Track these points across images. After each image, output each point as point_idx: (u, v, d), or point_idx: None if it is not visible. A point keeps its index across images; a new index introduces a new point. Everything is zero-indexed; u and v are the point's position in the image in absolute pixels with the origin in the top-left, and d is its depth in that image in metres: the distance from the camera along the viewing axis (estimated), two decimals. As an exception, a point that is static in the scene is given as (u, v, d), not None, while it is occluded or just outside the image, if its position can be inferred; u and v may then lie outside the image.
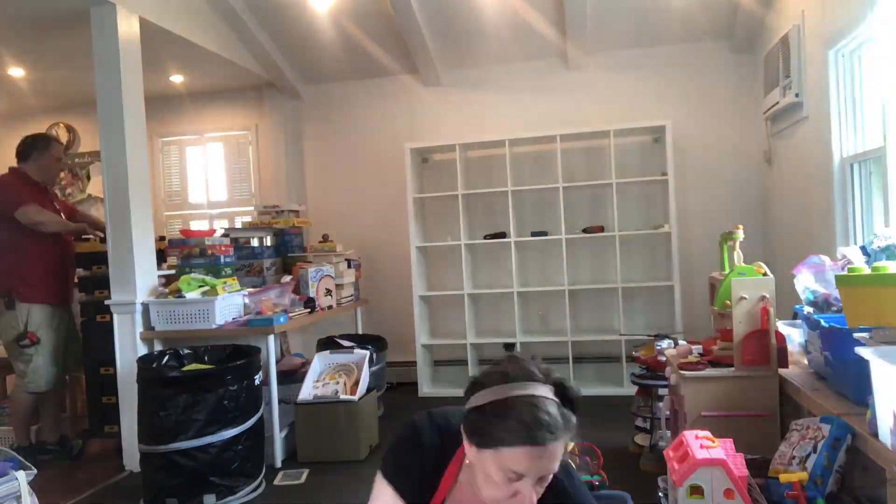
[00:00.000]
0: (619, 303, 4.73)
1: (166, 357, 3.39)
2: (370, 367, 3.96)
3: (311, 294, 4.17)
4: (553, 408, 1.20)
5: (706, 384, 2.51)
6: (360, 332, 4.99)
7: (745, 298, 2.53)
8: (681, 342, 3.10)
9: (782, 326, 2.68)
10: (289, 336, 5.12)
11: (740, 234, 3.06)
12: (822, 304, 2.61)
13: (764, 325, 2.52)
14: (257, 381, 3.27)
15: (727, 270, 3.03)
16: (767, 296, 2.52)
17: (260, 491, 3.21)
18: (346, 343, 4.33)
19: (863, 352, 1.93)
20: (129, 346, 3.62)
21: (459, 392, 1.32)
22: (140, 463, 3.14)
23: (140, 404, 3.17)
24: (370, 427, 3.79)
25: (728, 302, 2.58)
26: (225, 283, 3.79)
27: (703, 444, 2.01)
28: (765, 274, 2.66)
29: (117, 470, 3.62)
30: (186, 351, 3.45)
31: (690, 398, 2.52)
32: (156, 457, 3.02)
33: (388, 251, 5.45)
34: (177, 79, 5.29)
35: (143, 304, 3.68)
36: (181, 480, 2.99)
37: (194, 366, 3.35)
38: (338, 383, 3.76)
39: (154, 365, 3.31)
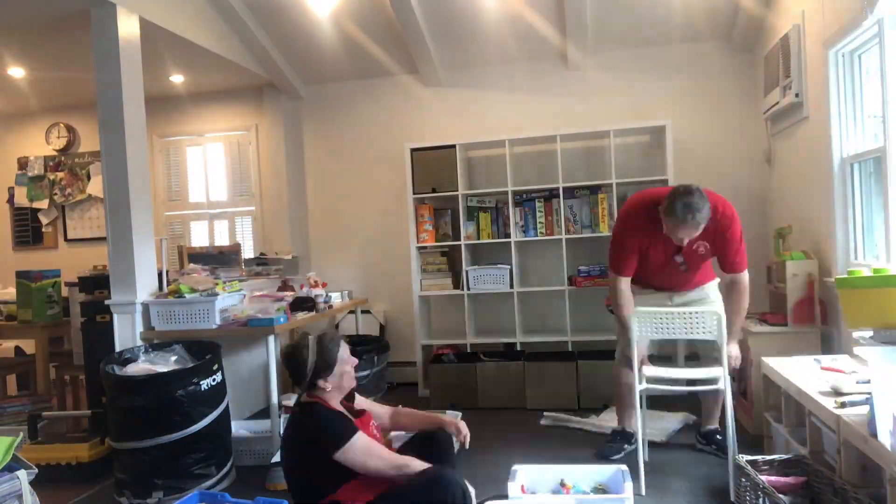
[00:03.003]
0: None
1: (132, 354, 3.45)
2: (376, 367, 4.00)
3: (312, 294, 4.17)
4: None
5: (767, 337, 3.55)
6: (359, 332, 4.98)
7: (796, 275, 3.50)
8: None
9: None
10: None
11: (790, 230, 3.94)
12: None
13: (810, 294, 3.49)
14: (205, 387, 3.24)
15: (778, 258, 3.77)
16: (813, 273, 3.51)
17: (214, 491, 3.21)
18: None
19: (863, 352, 1.93)
20: (129, 347, 3.62)
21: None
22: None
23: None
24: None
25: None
26: (225, 283, 3.79)
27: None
28: (810, 258, 3.58)
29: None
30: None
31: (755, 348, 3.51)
32: (118, 452, 3.22)
33: (388, 251, 5.46)
34: (177, 79, 5.30)
35: (143, 304, 3.68)
36: (132, 477, 3.16)
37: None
38: None
39: (109, 364, 3.33)
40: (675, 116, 4.83)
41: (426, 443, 2.60)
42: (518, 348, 4.88)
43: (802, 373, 2.74)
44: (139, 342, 3.63)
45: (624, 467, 2.51)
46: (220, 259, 4.85)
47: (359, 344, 4.45)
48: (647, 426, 3.38)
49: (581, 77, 5.10)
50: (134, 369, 3.28)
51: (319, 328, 3.43)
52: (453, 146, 4.93)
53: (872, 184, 3.19)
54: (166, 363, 3.33)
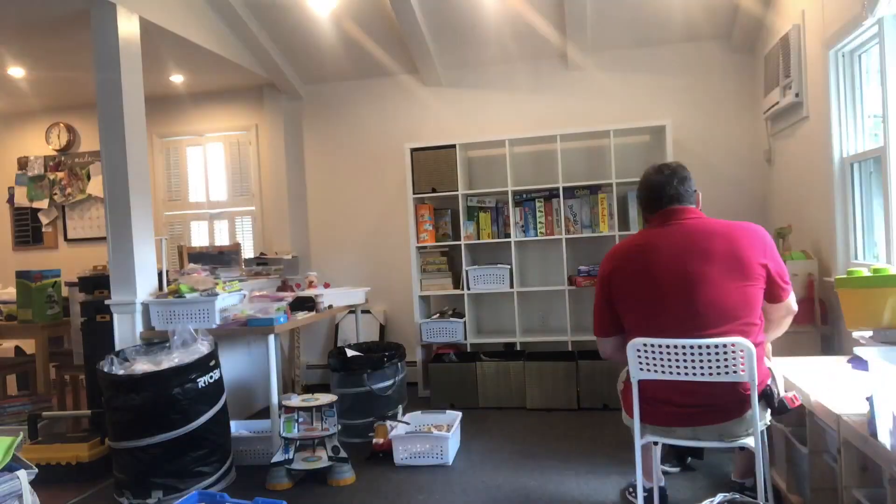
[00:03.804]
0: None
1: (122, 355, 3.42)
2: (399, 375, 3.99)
3: (312, 294, 4.17)
4: None
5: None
6: (358, 331, 4.97)
7: (796, 275, 3.47)
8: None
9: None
10: (299, 337, 5.13)
11: (790, 230, 3.93)
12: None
13: (810, 294, 3.45)
14: (203, 384, 3.24)
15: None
16: (813, 273, 3.49)
17: (213, 490, 3.20)
18: (352, 353, 4.18)
19: (863, 352, 1.93)
20: (129, 346, 3.62)
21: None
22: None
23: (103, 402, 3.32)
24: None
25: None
26: (225, 282, 3.80)
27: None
28: (810, 258, 3.58)
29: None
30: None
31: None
32: (117, 452, 3.21)
33: (389, 251, 5.46)
34: (177, 79, 5.30)
35: (143, 303, 3.69)
36: (131, 477, 3.15)
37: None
38: None
39: (104, 364, 3.32)
40: (675, 116, 4.83)
41: None
42: (518, 348, 4.88)
43: (802, 372, 2.74)
44: (139, 342, 3.63)
45: None
46: (220, 259, 4.85)
47: (377, 351, 4.33)
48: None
49: (581, 77, 5.10)
50: (136, 368, 3.27)
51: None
52: (453, 146, 4.93)
53: (872, 184, 3.19)
54: (168, 357, 3.32)
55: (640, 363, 2.17)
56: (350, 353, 4.16)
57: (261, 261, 4.94)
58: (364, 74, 5.45)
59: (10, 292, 4.75)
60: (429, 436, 3.49)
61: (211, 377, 3.30)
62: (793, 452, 2.67)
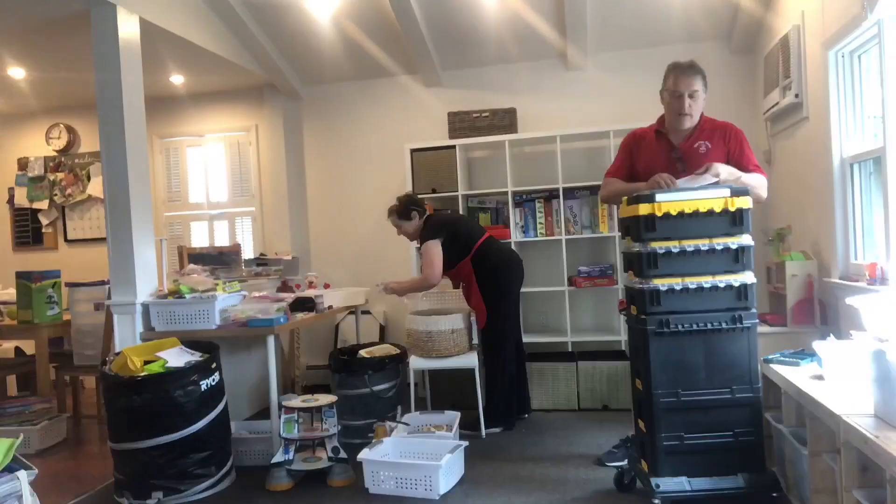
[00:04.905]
0: (619, 302, 4.72)
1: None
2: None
3: (312, 294, 4.17)
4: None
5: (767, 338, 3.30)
6: (358, 332, 4.97)
7: (796, 275, 3.48)
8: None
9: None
10: (299, 337, 5.13)
11: (789, 231, 3.95)
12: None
13: (810, 295, 3.45)
14: (204, 387, 3.23)
15: (777, 258, 3.74)
16: (813, 273, 3.47)
17: (213, 491, 3.24)
18: (363, 353, 4.16)
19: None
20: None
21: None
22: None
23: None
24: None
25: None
26: (225, 283, 3.80)
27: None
28: (810, 258, 3.57)
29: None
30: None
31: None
32: (118, 453, 3.22)
33: (388, 251, 5.46)
34: (177, 79, 5.30)
35: (143, 304, 3.68)
36: (131, 478, 3.16)
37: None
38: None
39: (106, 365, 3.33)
40: (674, 117, 4.82)
41: None
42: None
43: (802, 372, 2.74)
44: (139, 343, 3.63)
45: None
46: (220, 259, 4.85)
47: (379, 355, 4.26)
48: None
49: (581, 77, 5.10)
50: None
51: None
52: (453, 146, 4.93)
53: (872, 184, 3.19)
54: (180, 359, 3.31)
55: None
56: (362, 353, 4.12)
57: (261, 261, 4.94)
58: (364, 75, 5.45)
59: (10, 293, 4.75)
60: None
61: (212, 379, 3.30)
62: (793, 453, 2.67)
